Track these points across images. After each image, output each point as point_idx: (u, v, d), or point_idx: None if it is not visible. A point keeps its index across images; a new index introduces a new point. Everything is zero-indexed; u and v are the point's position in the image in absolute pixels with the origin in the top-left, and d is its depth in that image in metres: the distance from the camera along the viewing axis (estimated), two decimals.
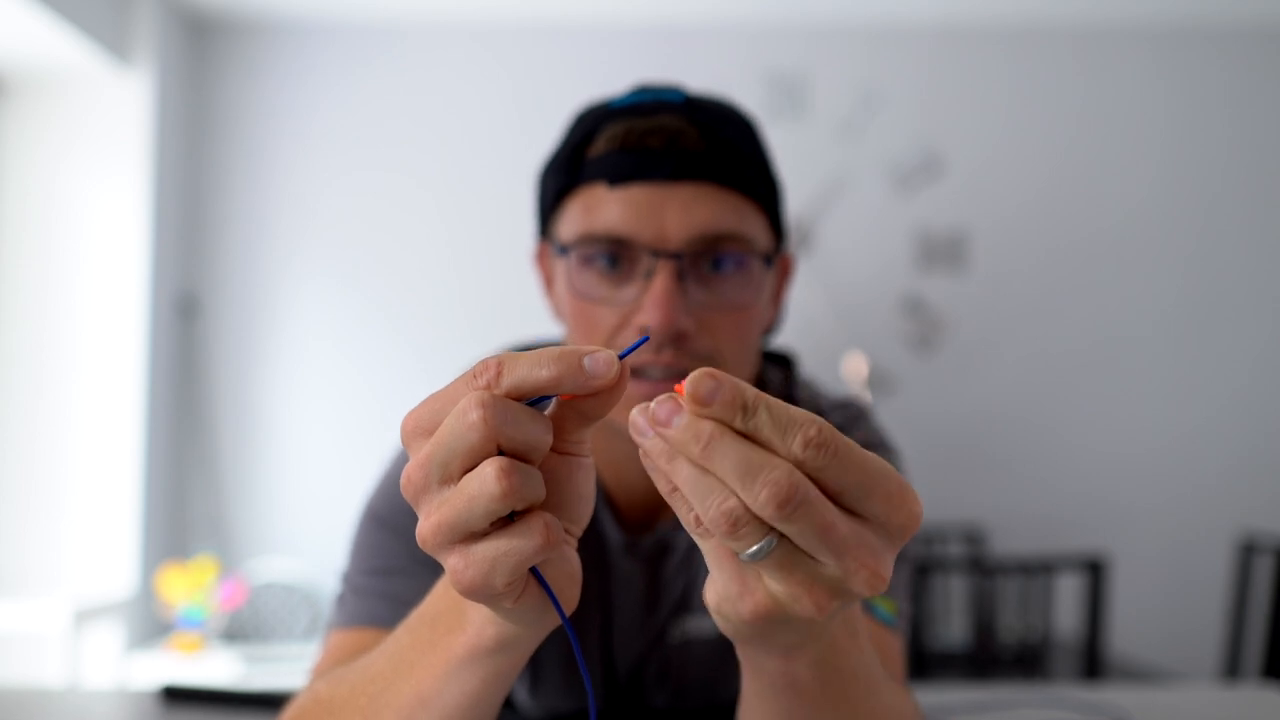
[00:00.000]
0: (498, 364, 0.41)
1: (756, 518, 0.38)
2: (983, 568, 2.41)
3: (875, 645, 0.76)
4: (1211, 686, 1.13)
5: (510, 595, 0.44)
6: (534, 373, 0.41)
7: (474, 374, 0.42)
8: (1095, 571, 2.40)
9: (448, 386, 0.43)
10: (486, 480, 0.40)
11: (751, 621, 0.42)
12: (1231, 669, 2.78)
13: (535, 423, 0.42)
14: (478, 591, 0.43)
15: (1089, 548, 3.40)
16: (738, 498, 0.38)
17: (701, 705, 0.87)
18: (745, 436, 0.38)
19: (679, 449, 0.38)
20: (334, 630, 0.79)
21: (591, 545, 0.84)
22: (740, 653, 0.51)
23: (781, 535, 0.39)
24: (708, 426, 0.38)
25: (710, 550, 0.42)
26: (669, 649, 0.85)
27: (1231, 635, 2.80)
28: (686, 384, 0.38)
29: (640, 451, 0.41)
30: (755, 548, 0.39)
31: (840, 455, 0.37)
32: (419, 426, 0.43)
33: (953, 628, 3.07)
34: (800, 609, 0.40)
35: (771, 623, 0.42)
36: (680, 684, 0.86)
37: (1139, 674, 2.65)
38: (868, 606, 0.77)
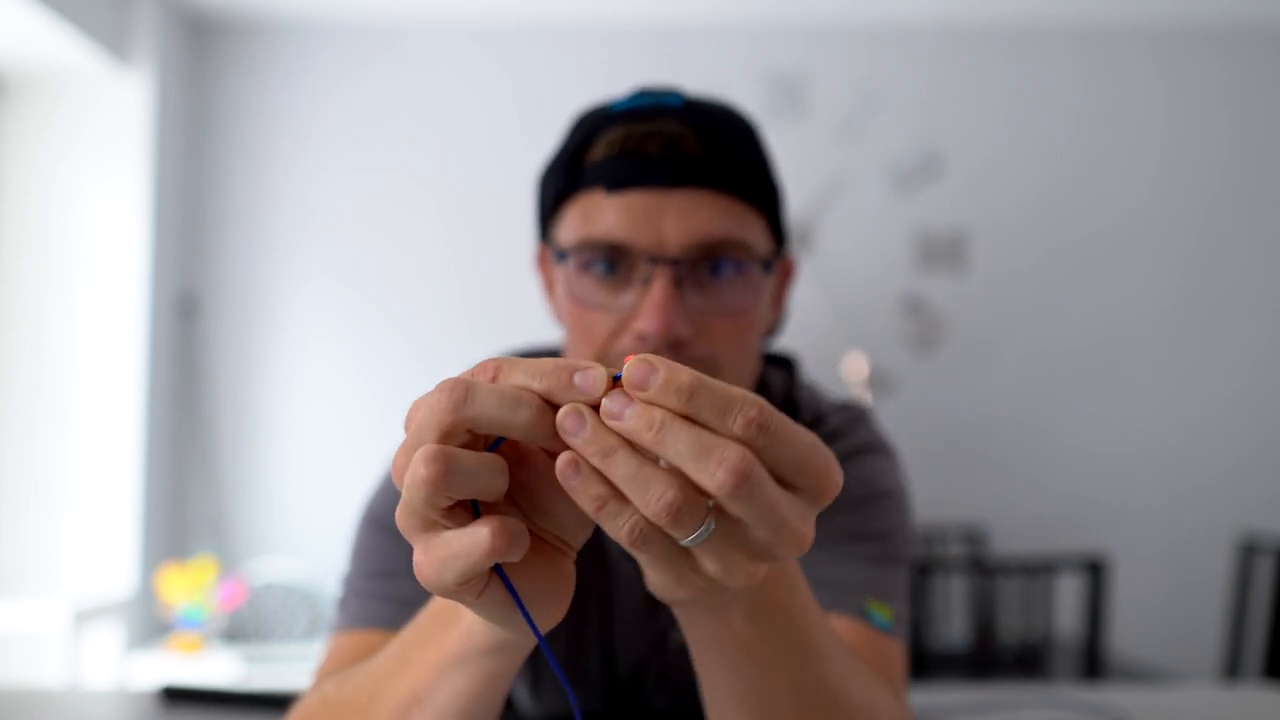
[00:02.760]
0: (496, 366, 0.42)
1: (694, 503, 0.39)
2: (983, 568, 2.41)
3: (873, 652, 0.75)
4: (1211, 686, 1.13)
5: (468, 593, 0.43)
6: (527, 381, 0.41)
7: (472, 372, 0.42)
8: (1095, 572, 2.40)
9: None
10: (415, 466, 0.40)
11: (690, 599, 0.43)
12: (1231, 669, 2.78)
13: (509, 407, 0.40)
14: (432, 585, 0.43)
15: (1089, 548, 3.40)
16: (676, 487, 0.38)
17: (701, 708, 0.87)
18: (689, 420, 0.38)
19: (632, 436, 0.39)
20: (337, 633, 0.79)
21: (593, 547, 0.84)
22: (677, 614, 0.52)
23: (717, 516, 0.40)
24: (659, 412, 0.38)
25: (643, 556, 0.42)
26: (670, 652, 0.85)
27: (1231, 635, 2.81)
28: (624, 370, 0.39)
29: (563, 463, 0.40)
30: (696, 533, 0.39)
31: (778, 434, 0.38)
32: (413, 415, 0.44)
33: (953, 628, 3.07)
34: (734, 581, 0.41)
35: (708, 595, 0.44)
36: (681, 687, 0.86)
37: (1139, 674, 2.65)
38: (864, 614, 0.77)
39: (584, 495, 0.40)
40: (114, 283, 3.12)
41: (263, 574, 3.24)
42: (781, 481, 0.40)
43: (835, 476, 0.40)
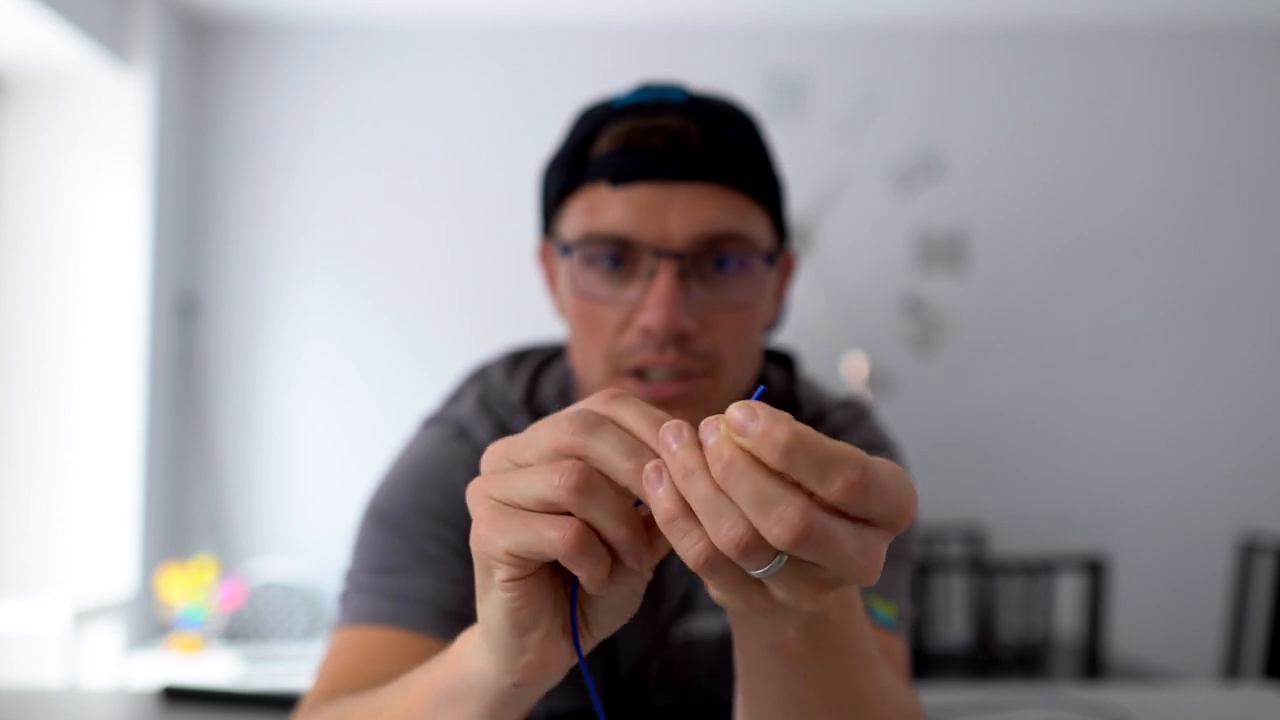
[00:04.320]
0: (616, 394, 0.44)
1: (764, 543, 0.38)
2: (983, 568, 2.41)
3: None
4: (1211, 686, 1.13)
5: (508, 567, 0.44)
6: (634, 424, 0.43)
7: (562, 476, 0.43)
8: (1095, 572, 2.40)
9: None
10: (559, 470, 0.41)
11: (754, 613, 0.43)
12: (1231, 669, 2.78)
13: (636, 413, 0.42)
14: (481, 542, 0.44)
15: (1089, 548, 3.40)
16: (747, 524, 0.38)
17: (703, 705, 0.87)
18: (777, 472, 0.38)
19: (704, 466, 0.39)
20: (338, 629, 0.79)
21: None
22: (730, 616, 0.52)
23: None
24: (728, 450, 0.38)
25: (710, 580, 0.42)
26: (671, 649, 0.85)
27: (1231, 635, 2.80)
28: (728, 411, 0.39)
29: (650, 467, 0.41)
30: (766, 568, 0.39)
31: (874, 496, 0.37)
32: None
33: (953, 628, 3.07)
34: (802, 606, 0.41)
35: (774, 612, 0.43)
36: (682, 684, 0.86)
37: (1139, 674, 2.65)
38: (868, 610, 0.77)
39: (660, 506, 0.40)
40: (114, 283, 3.12)
41: (263, 574, 3.24)
42: (865, 519, 0.39)
43: (913, 510, 0.39)
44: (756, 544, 0.38)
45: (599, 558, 0.42)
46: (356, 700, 0.64)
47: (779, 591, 0.40)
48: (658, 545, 0.43)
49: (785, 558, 0.39)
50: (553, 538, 0.41)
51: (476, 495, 0.45)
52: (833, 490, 0.37)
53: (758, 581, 0.41)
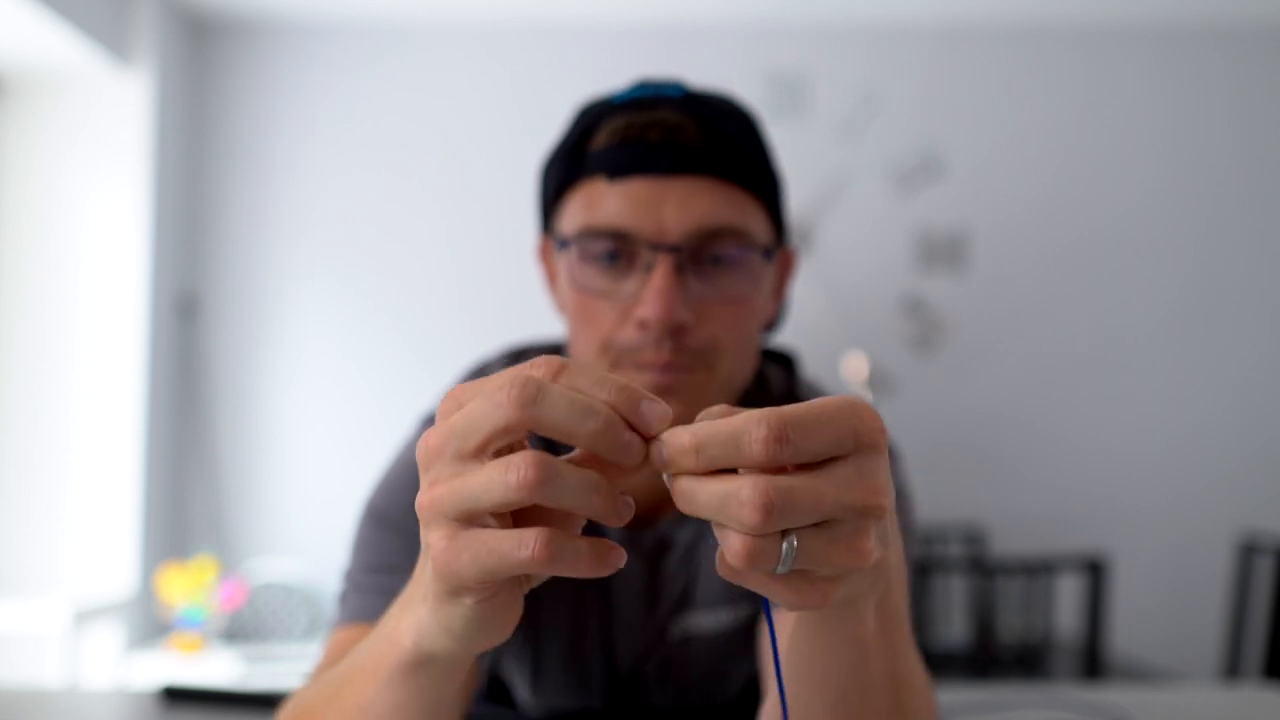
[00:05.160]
0: (559, 365, 0.40)
1: (762, 538, 0.38)
2: (983, 568, 2.41)
3: None
4: (1211, 686, 1.13)
5: (478, 594, 0.43)
6: (593, 389, 0.40)
7: (531, 365, 0.40)
8: (1095, 572, 2.40)
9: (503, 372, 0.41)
10: (511, 468, 0.38)
11: (826, 603, 0.41)
12: (1231, 669, 2.78)
13: (578, 414, 0.38)
14: (448, 577, 0.42)
15: (1089, 548, 3.40)
16: (735, 533, 0.38)
17: (702, 703, 0.87)
18: (717, 472, 0.38)
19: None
20: (336, 628, 0.79)
21: None
22: (810, 616, 0.51)
23: (794, 532, 0.39)
24: (675, 485, 0.39)
25: (758, 586, 0.41)
26: (670, 646, 0.85)
27: (1231, 635, 2.80)
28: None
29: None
30: (782, 559, 0.38)
31: (800, 434, 0.37)
32: (458, 399, 0.42)
33: (953, 628, 3.06)
34: (854, 566, 0.40)
35: (845, 592, 0.42)
36: (681, 682, 0.86)
37: (1139, 674, 2.65)
38: None
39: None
40: (114, 283, 3.12)
41: (263, 574, 3.24)
42: (825, 460, 0.38)
43: (869, 422, 0.38)
44: (754, 545, 0.38)
45: (572, 551, 0.40)
46: (315, 687, 0.63)
47: (825, 568, 0.40)
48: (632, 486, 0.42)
49: (794, 539, 0.38)
50: (524, 558, 0.39)
51: (433, 514, 0.41)
52: (755, 455, 0.37)
53: (800, 571, 0.40)
